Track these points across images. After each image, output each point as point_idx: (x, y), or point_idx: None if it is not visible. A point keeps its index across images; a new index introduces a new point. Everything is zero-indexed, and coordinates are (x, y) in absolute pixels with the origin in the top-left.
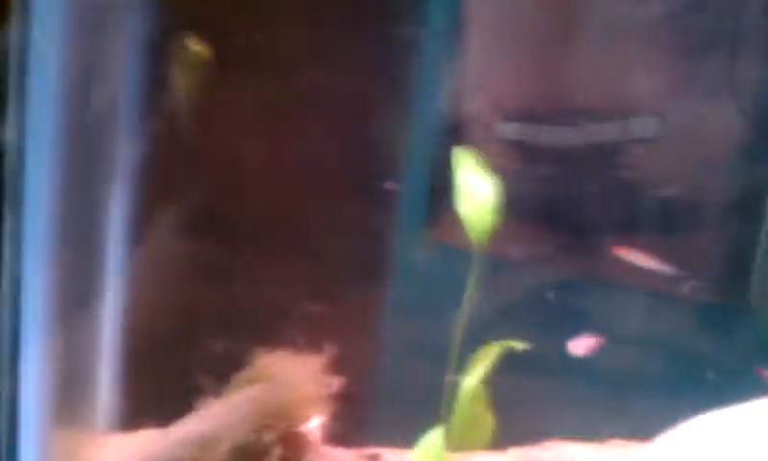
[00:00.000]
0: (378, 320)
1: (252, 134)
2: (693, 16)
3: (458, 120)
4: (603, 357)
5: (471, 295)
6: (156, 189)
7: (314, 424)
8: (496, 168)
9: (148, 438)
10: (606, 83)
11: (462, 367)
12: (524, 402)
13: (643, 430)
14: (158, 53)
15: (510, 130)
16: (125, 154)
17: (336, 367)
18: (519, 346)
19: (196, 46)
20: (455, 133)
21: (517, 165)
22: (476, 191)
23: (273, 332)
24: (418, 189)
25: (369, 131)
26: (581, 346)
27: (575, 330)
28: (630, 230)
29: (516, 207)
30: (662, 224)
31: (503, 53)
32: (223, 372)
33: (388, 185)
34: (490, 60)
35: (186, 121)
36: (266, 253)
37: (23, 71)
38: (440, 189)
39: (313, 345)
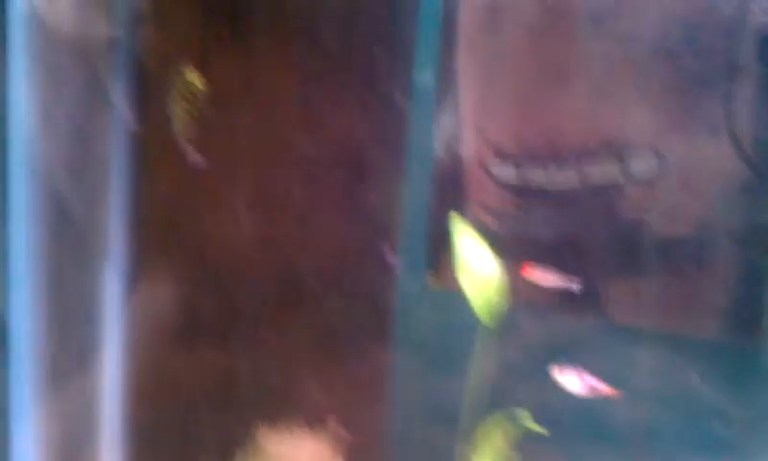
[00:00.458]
0: (383, 384)
1: (247, 191)
2: (687, 52)
3: (454, 164)
4: (612, 407)
5: (479, 360)
6: (153, 246)
7: None
8: (494, 211)
9: None
10: (601, 122)
11: (472, 434)
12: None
13: None
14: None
15: (506, 172)
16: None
17: (341, 442)
18: (529, 422)
19: (192, 76)
20: (452, 178)
21: (515, 208)
22: (479, 268)
23: (275, 404)
24: (417, 237)
25: (365, 185)
26: (575, 380)
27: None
28: (631, 271)
29: (513, 250)
30: (664, 263)
31: (497, 95)
32: (224, 449)
33: (385, 246)
34: (483, 103)
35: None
36: (266, 316)
37: None
38: (439, 235)
39: (317, 418)
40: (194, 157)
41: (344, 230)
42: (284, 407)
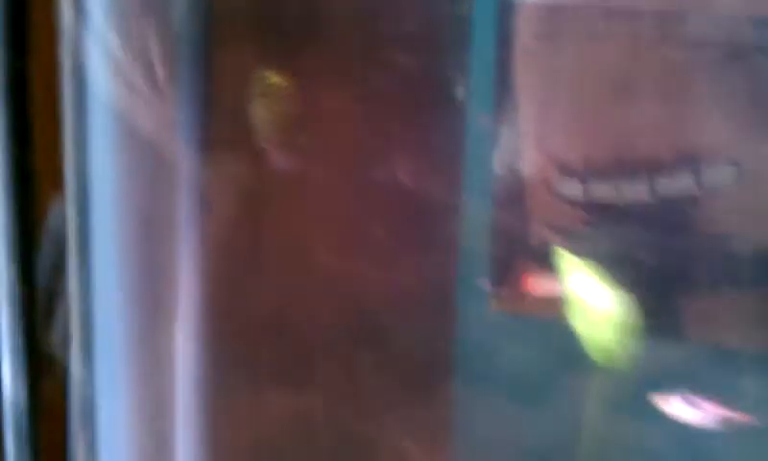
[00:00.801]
0: (451, 427)
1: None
2: (762, 54)
3: (516, 182)
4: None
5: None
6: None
7: None
8: (559, 229)
9: None
10: (673, 132)
11: None
12: None
13: None
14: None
15: (571, 188)
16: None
17: None
18: None
19: (275, 77)
20: (514, 196)
21: (582, 225)
22: (594, 305)
23: (350, 449)
24: (479, 261)
25: (425, 208)
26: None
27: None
28: (711, 288)
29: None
30: (746, 278)
31: (559, 107)
32: None
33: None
34: (545, 117)
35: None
36: (336, 355)
37: None
38: (503, 257)
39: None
40: (281, 160)
41: (408, 259)
42: (360, 451)
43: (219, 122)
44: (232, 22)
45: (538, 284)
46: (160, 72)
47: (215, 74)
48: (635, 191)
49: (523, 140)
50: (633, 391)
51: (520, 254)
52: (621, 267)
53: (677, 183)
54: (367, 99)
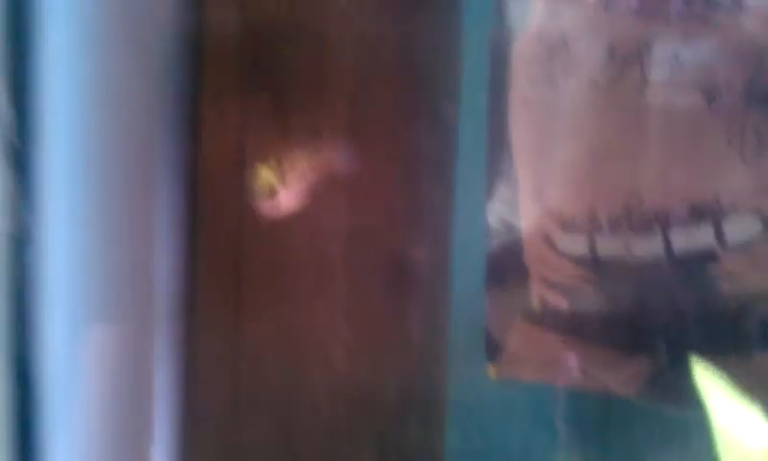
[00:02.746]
0: None
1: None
2: None
3: (512, 237)
4: None
5: None
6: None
7: None
8: (561, 287)
9: None
10: (689, 181)
11: None
12: None
13: None
14: None
15: (574, 243)
16: None
17: None
18: None
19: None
20: (508, 253)
21: (586, 283)
22: (749, 444)
23: None
24: (472, 325)
25: (411, 268)
26: None
27: None
28: (731, 352)
29: (587, 332)
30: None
31: (559, 157)
32: None
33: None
34: (543, 167)
35: None
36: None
37: None
38: (497, 319)
39: None
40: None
41: (391, 325)
42: None
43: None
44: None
45: (539, 348)
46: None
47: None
48: (647, 247)
49: (519, 192)
50: None
51: (518, 314)
52: (627, 327)
53: (695, 237)
54: (357, 155)
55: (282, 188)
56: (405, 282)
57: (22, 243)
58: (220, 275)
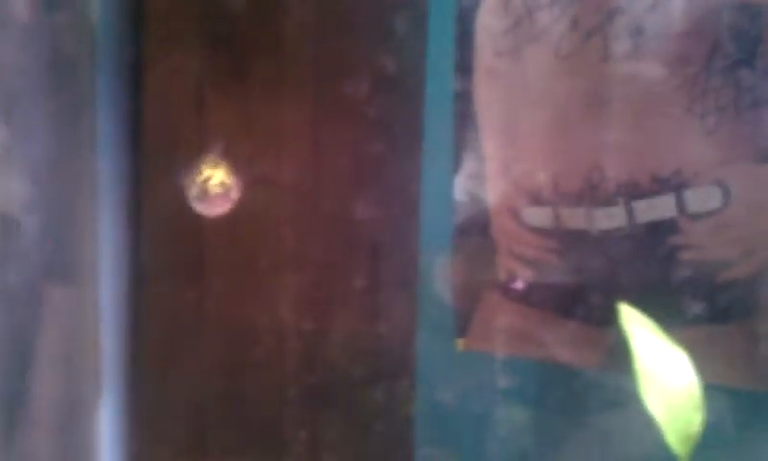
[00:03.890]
0: None
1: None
2: (747, 67)
3: (479, 211)
4: None
5: None
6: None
7: None
8: (526, 259)
9: None
10: (651, 152)
11: None
12: None
13: None
14: None
15: (539, 216)
16: None
17: None
18: None
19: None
20: (477, 226)
21: (551, 256)
22: (671, 381)
23: None
24: (439, 298)
25: (378, 244)
26: None
27: None
28: (690, 321)
29: (552, 304)
30: (731, 311)
31: (525, 129)
32: None
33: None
34: (509, 140)
35: None
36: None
37: None
38: (465, 292)
39: None
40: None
41: (365, 302)
42: None
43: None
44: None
45: (506, 320)
46: None
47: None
48: (610, 218)
49: (486, 165)
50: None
51: (486, 288)
52: (591, 296)
53: (657, 208)
54: (318, 125)
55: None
56: (373, 258)
57: None
58: (170, 224)
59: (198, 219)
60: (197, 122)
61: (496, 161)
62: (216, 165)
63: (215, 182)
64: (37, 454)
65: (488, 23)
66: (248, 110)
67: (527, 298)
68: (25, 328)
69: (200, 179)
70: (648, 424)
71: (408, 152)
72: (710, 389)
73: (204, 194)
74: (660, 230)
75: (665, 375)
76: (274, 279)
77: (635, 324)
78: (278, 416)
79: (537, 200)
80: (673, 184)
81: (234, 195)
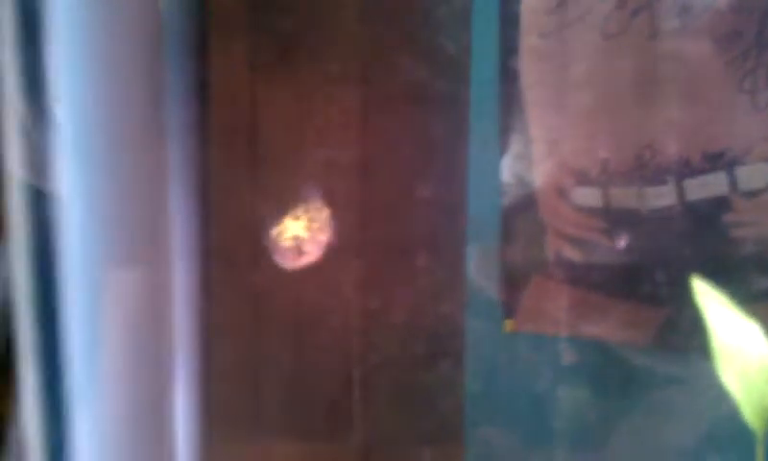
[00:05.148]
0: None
1: None
2: None
3: (526, 192)
4: None
5: None
6: None
7: None
8: (575, 240)
9: None
10: (702, 130)
11: None
12: None
13: None
14: None
15: (588, 196)
16: None
17: None
18: None
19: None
20: (524, 208)
21: (600, 236)
22: (746, 354)
23: None
24: (488, 280)
25: (425, 227)
26: None
27: None
28: (741, 299)
29: (601, 284)
30: None
31: (572, 109)
32: None
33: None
34: (556, 120)
35: None
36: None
37: None
38: (512, 274)
39: None
40: None
41: (409, 285)
42: None
43: None
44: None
45: (554, 302)
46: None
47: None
48: (660, 197)
49: (533, 146)
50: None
51: (534, 269)
52: (644, 279)
53: (708, 186)
54: (367, 111)
55: (308, 239)
56: (422, 242)
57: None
58: (236, 215)
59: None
60: (252, 112)
61: (544, 142)
62: (296, 218)
63: (288, 236)
64: (114, 438)
65: (532, 4)
66: (299, 97)
67: (576, 278)
68: (97, 312)
69: (275, 231)
70: (701, 401)
71: (455, 134)
72: None
73: (276, 247)
74: (711, 207)
75: (741, 348)
76: (333, 263)
77: (708, 298)
78: (337, 396)
79: (585, 180)
80: (724, 162)
81: (310, 249)
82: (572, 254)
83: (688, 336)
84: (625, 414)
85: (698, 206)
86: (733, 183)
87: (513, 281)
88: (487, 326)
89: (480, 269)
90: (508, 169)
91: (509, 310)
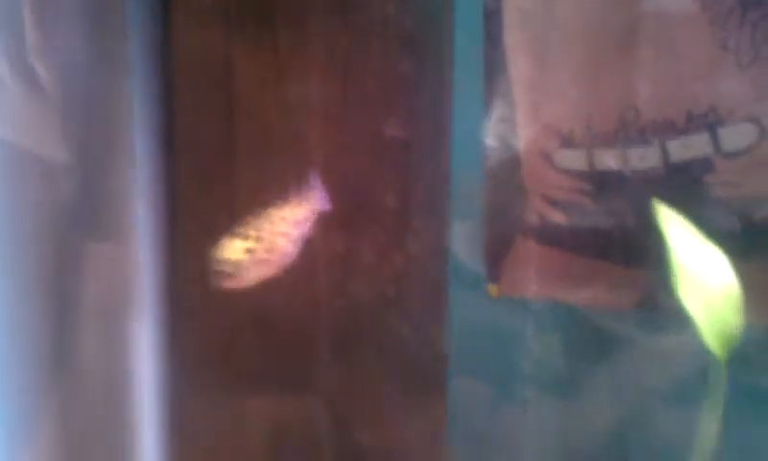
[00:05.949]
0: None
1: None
2: None
3: (510, 155)
4: None
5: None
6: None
7: None
8: (558, 203)
9: None
10: (686, 90)
11: None
12: None
13: None
14: None
15: (571, 158)
16: None
17: None
18: None
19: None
20: (508, 171)
21: (583, 198)
22: (710, 281)
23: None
24: (470, 242)
25: (407, 189)
26: None
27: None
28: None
29: (585, 247)
30: (764, 249)
31: (556, 70)
32: None
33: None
34: (540, 81)
35: None
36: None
37: None
38: (496, 236)
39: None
40: None
41: (389, 244)
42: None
43: None
44: None
45: (538, 265)
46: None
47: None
48: (644, 158)
49: (516, 107)
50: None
51: (518, 232)
52: (627, 241)
53: (691, 147)
54: (350, 66)
55: (249, 263)
56: (405, 204)
57: None
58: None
59: (231, 166)
60: (226, 72)
61: (527, 104)
62: (243, 237)
63: (226, 258)
64: (81, 406)
65: None
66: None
67: (559, 242)
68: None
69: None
70: (679, 362)
71: (438, 97)
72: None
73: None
74: (694, 168)
75: (704, 275)
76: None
77: (673, 224)
78: (310, 344)
79: (569, 142)
80: (707, 122)
81: (250, 273)
82: (556, 217)
83: (670, 300)
84: (601, 371)
85: (681, 166)
86: (716, 144)
87: (496, 245)
88: (469, 291)
89: (464, 233)
90: (491, 132)
91: (493, 274)
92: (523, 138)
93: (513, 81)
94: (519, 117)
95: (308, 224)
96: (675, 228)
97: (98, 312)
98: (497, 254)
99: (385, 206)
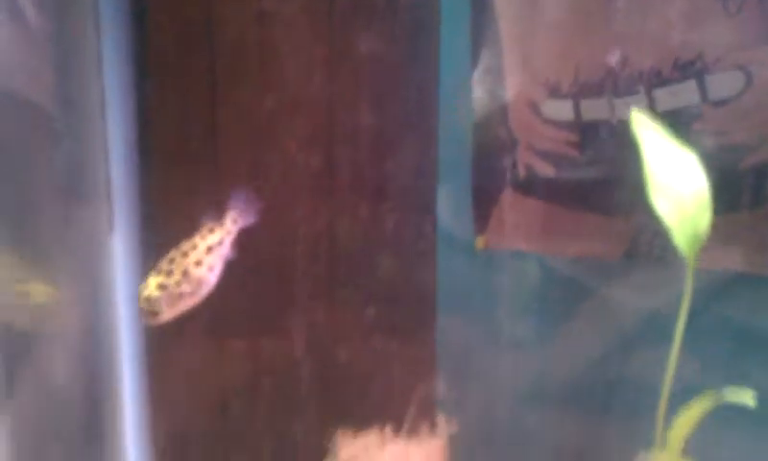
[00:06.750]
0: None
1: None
2: None
3: (498, 106)
4: None
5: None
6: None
7: None
8: (547, 154)
9: None
10: (672, 38)
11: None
12: None
13: None
14: None
15: (559, 108)
16: None
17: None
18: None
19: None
20: (496, 122)
21: (571, 148)
22: (680, 181)
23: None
24: (459, 195)
25: (397, 141)
26: None
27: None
28: (715, 210)
29: (573, 198)
30: (757, 197)
31: (543, 21)
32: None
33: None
34: (528, 32)
35: None
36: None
37: None
38: (484, 189)
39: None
40: None
41: (378, 197)
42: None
43: None
44: None
45: (525, 217)
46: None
47: None
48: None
49: (504, 59)
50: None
51: (505, 184)
52: (615, 191)
53: (679, 95)
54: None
55: (163, 298)
56: (393, 155)
57: None
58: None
59: (210, 112)
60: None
61: (515, 55)
62: (158, 272)
63: (143, 296)
64: (56, 365)
65: None
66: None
67: (547, 193)
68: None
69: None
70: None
71: (425, 48)
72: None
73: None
74: (682, 116)
75: (674, 176)
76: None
77: (645, 128)
78: (297, 289)
79: (556, 92)
80: (695, 70)
81: (166, 309)
82: (543, 168)
83: (660, 246)
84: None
85: (669, 115)
86: (704, 92)
87: (483, 197)
88: (458, 241)
89: (451, 185)
90: (479, 83)
91: (479, 226)
92: (511, 89)
93: (500, 31)
94: (507, 68)
95: (225, 246)
96: (648, 132)
97: (78, 259)
98: (484, 205)
99: (375, 163)
